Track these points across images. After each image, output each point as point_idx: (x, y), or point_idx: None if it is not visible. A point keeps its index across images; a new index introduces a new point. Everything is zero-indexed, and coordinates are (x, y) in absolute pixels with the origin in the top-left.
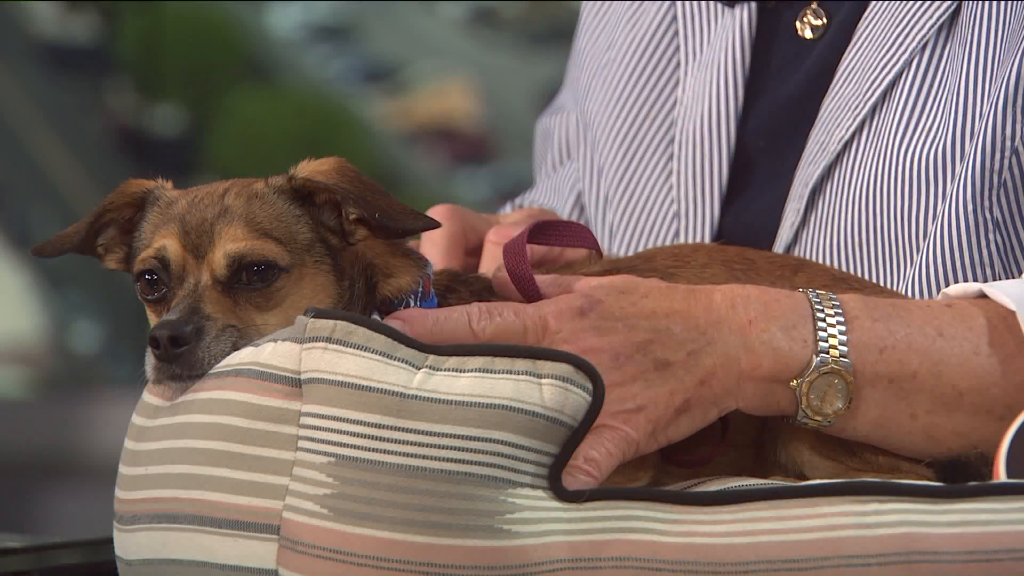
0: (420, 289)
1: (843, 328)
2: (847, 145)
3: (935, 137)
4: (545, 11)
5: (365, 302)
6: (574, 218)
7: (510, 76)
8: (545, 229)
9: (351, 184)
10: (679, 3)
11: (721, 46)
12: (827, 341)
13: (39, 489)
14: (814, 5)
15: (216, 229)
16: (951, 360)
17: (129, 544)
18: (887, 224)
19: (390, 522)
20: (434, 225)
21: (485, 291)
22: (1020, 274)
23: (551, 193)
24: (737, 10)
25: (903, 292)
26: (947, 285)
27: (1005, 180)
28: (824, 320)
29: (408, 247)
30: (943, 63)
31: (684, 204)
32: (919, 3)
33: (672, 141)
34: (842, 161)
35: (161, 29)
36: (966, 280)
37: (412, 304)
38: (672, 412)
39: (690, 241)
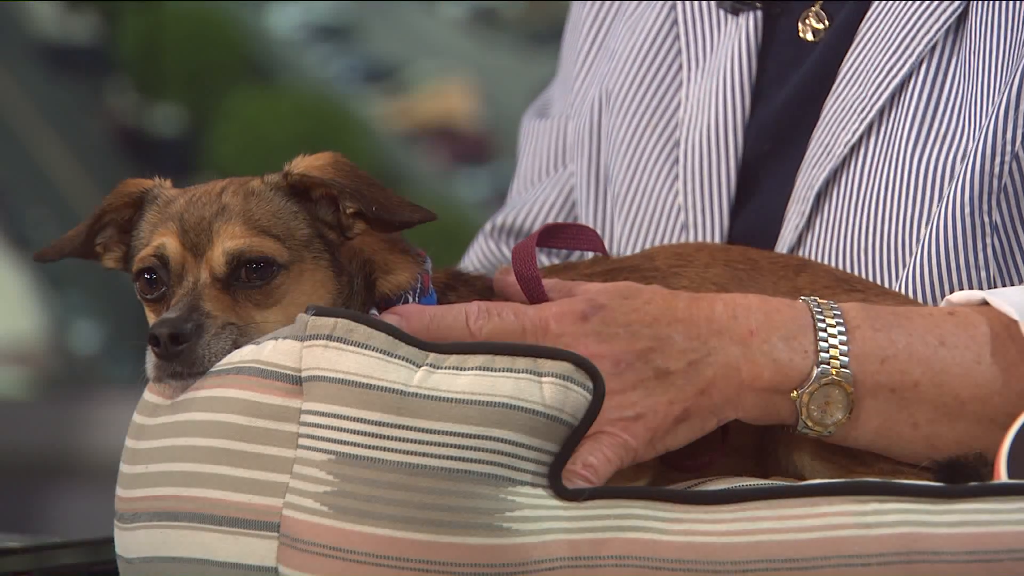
0: (419, 285)
1: (844, 338)
2: (854, 149)
3: (949, 142)
4: (545, 11)
5: (364, 298)
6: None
7: (510, 76)
8: (554, 232)
9: (347, 178)
10: (680, 3)
11: (726, 55)
12: (828, 352)
13: (39, 489)
14: (816, 7)
15: (214, 227)
16: (953, 369)
17: (129, 542)
18: (894, 229)
19: (390, 520)
20: (432, 216)
21: (487, 291)
22: (1017, 278)
23: (536, 199)
24: (742, 18)
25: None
26: (942, 288)
27: (1005, 185)
28: (825, 330)
29: (407, 244)
30: (953, 67)
31: (692, 215)
32: (924, 4)
33: (676, 146)
34: (849, 165)
35: (161, 29)
36: (960, 283)
37: (410, 300)
38: (671, 421)
39: None
